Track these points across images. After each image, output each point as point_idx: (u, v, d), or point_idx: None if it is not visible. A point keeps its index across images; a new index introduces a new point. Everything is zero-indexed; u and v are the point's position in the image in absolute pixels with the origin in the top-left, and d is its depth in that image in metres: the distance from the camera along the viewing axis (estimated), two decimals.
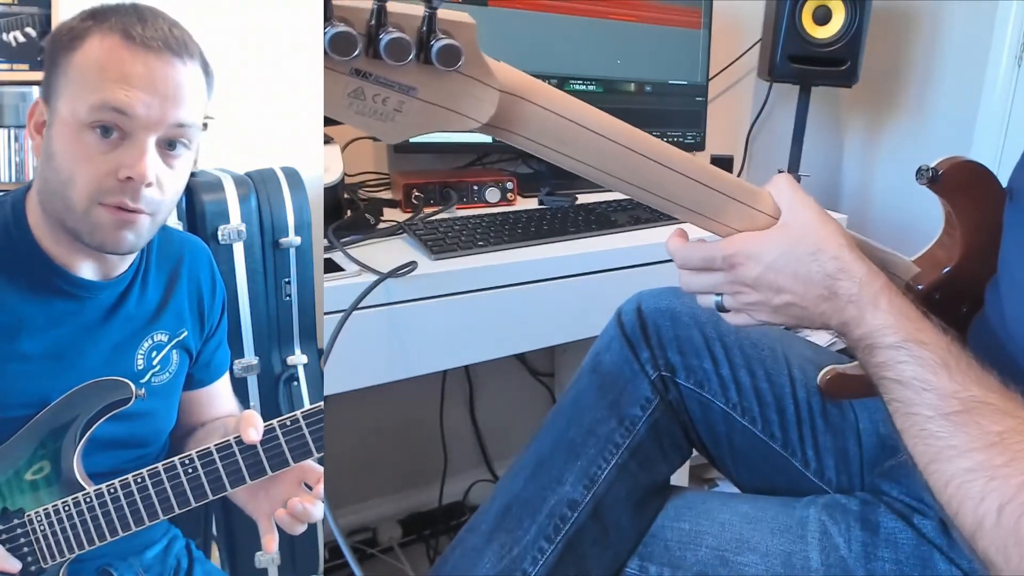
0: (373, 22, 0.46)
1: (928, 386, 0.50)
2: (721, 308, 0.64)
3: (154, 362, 0.77)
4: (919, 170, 0.67)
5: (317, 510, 0.69)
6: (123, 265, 0.74)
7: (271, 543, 0.71)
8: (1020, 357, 0.59)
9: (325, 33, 0.45)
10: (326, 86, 0.47)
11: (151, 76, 0.64)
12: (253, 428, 0.68)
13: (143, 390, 0.72)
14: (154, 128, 0.65)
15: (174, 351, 0.79)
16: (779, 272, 0.59)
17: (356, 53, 0.45)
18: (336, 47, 0.45)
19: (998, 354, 0.61)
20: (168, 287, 0.79)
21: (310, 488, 0.71)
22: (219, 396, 0.87)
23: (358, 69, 0.47)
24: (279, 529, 0.71)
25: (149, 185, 0.65)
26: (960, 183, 0.68)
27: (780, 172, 0.64)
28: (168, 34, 0.65)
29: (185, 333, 0.80)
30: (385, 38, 0.46)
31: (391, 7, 0.46)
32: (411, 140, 1.31)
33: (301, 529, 0.70)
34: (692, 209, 0.61)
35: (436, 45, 0.48)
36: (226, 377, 0.89)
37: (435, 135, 1.40)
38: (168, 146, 0.67)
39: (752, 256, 0.59)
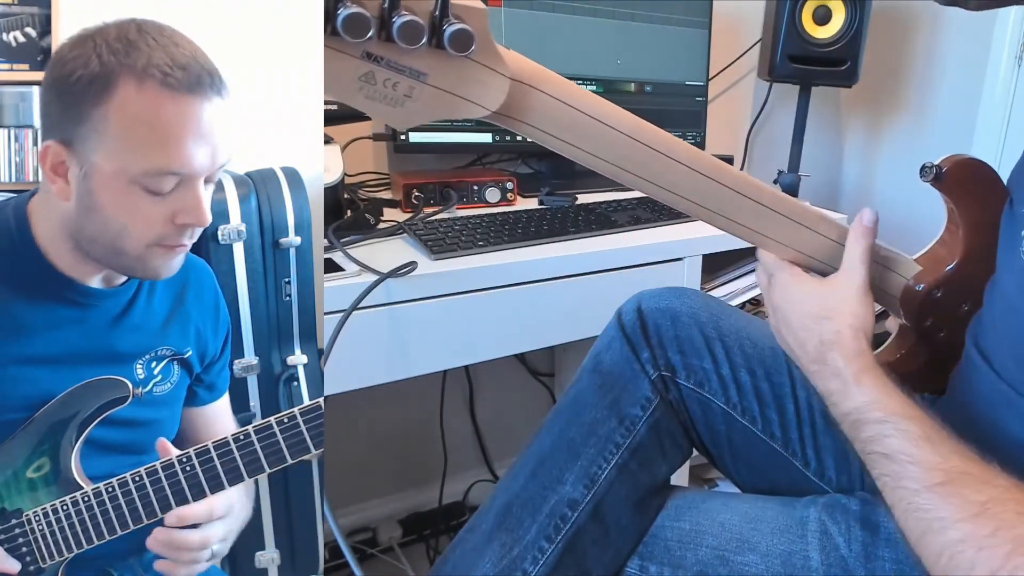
0: (386, 5, 0.46)
1: (913, 459, 0.51)
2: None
3: (155, 371, 0.77)
4: (923, 168, 0.67)
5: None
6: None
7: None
8: (1010, 358, 0.59)
9: (338, 14, 0.44)
10: (337, 69, 0.47)
11: (199, 127, 0.62)
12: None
13: (140, 389, 0.72)
14: (206, 173, 0.65)
15: (175, 363, 0.79)
16: (791, 314, 0.65)
17: (369, 35, 0.45)
18: (349, 28, 0.45)
19: (993, 353, 0.61)
20: (175, 304, 0.79)
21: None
22: (220, 415, 0.88)
23: (370, 52, 0.47)
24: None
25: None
26: (963, 181, 0.68)
27: (866, 218, 0.66)
28: (200, 68, 0.62)
29: (189, 352, 0.80)
30: (398, 21, 0.46)
31: None
32: (411, 140, 1.33)
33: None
34: (698, 203, 0.61)
35: (449, 29, 0.48)
36: (226, 397, 0.89)
37: (436, 135, 1.40)
38: (207, 181, 0.67)
39: (785, 286, 0.66)
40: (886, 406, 0.55)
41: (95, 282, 0.72)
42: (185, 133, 0.61)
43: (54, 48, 1.31)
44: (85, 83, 0.61)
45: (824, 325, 0.61)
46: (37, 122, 1.33)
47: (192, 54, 0.63)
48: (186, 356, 0.80)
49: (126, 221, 0.64)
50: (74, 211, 0.65)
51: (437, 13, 0.47)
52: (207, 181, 0.66)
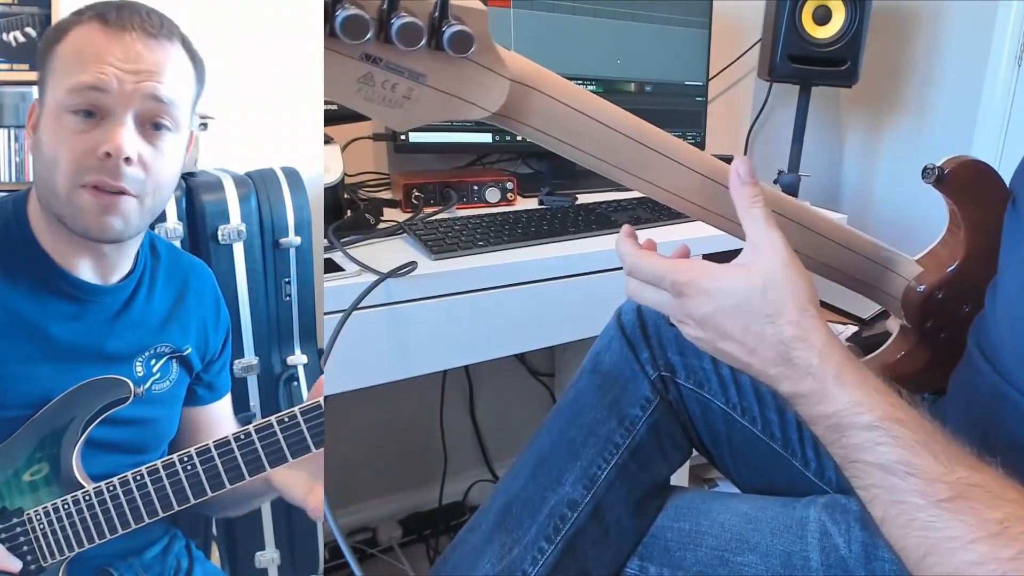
0: (385, 6, 0.46)
1: (913, 470, 0.45)
2: (668, 322, 0.60)
3: (154, 369, 0.77)
4: (925, 169, 0.67)
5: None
6: (123, 267, 0.74)
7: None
8: (1012, 359, 0.59)
9: (336, 16, 0.44)
10: (335, 71, 0.46)
11: (125, 53, 0.65)
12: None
13: (142, 388, 0.72)
14: (129, 101, 0.65)
15: (174, 361, 0.79)
16: (729, 318, 0.53)
17: (368, 37, 0.45)
18: (347, 30, 0.44)
19: (994, 354, 0.61)
20: (176, 301, 0.79)
21: None
22: (220, 415, 0.88)
23: (368, 54, 0.47)
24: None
25: (128, 161, 0.65)
26: (965, 182, 0.68)
27: (739, 172, 0.56)
28: (144, 18, 0.67)
29: (189, 350, 0.80)
30: (397, 22, 0.46)
31: None
32: (411, 140, 1.32)
33: None
34: (699, 204, 0.60)
35: (448, 31, 0.47)
36: (227, 398, 0.89)
37: (436, 135, 1.40)
38: (152, 127, 0.67)
39: (705, 291, 0.54)
40: (875, 407, 0.48)
41: (87, 273, 0.71)
42: (107, 55, 0.65)
43: None
44: (52, 36, 0.68)
45: (777, 321, 0.51)
46: None
47: (147, 12, 0.68)
48: (185, 354, 0.79)
49: (55, 151, 0.66)
50: (33, 159, 0.69)
51: (436, 14, 0.47)
52: (147, 123, 0.67)
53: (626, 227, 0.61)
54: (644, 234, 1.10)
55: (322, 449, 0.69)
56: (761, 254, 0.53)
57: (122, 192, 0.66)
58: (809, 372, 0.50)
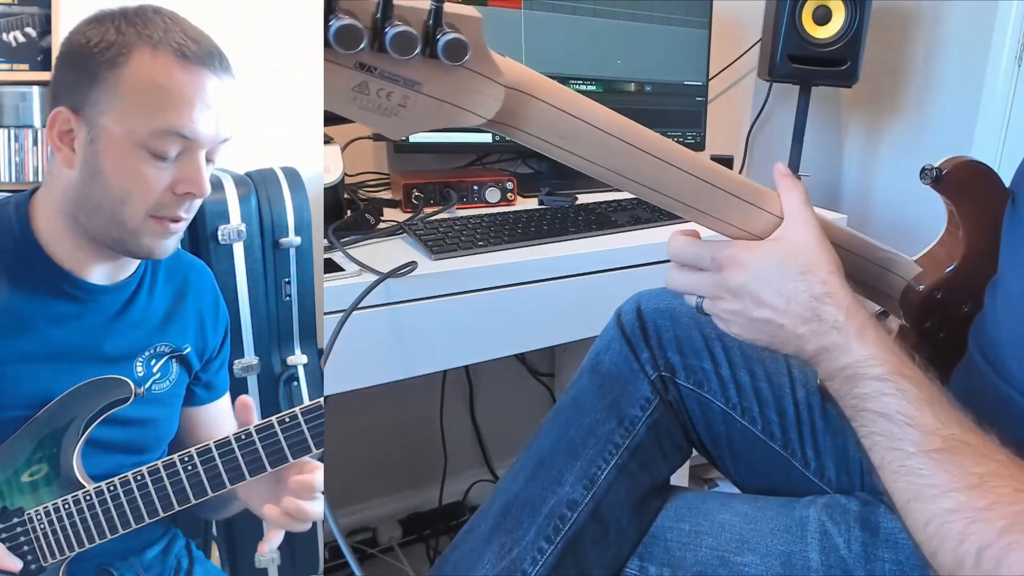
0: (379, 15, 0.46)
1: (912, 421, 0.49)
2: (700, 311, 0.63)
3: (154, 369, 0.77)
4: (923, 170, 0.67)
5: (314, 507, 0.69)
6: (129, 268, 0.74)
7: (268, 542, 0.71)
8: (1012, 359, 0.59)
9: (329, 26, 0.44)
10: (330, 80, 0.46)
11: (206, 96, 0.65)
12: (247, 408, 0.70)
13: (142, 388, 0.72)
14: (208, 145, 0.67)
15: (174, 361, 0.79)
16: (764, 284, 0.57)
17: (361, 46, 0.45)
18: (341, 40, 0.44)
19: (994, 354, 0.61)
20: (175, 301, 0.80)
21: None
22: (220, 415, 0.88)
23: (363, 63, 0.47)
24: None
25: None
26: (964, 183, 0.68)
27: (781, 168, 0.63)
28: (211, 45, 0.66)
29: (188, 349, 0.80)
30: (391, 31, 0.46)
31: (397, 0, 0.46)
32: (411, 140, 1.33)
33: (300, 527, 0.70)
34: (695, 207, 0.60)
35: (442, 39, 0.47)
36: (227, 397, 0.89)
37: (435, 135, 1.40)
38: (207, 159, 0.68)
39: (741, 262, 0.58)
40: (888, 363, 0.52)
41: (93, 275, 0.72)
42: (194, 98, 0.64)
43: (54, 48, 1.31)
44: (102, 48, 0.64)
45: (809, 279, 0.56)
46: (37, 122, 1.33)
47: (203, 34, 0.67)
48: (185, 353, 0.80)
49: (129, 186, 0.65)
50: (78, 179, 0.67)
51: (430, 23, 0.47)
52: (208, 158, 0.68)
53: (685, 226, 0.65)
54: (644, 234, 1.11)
55: (287, 463, 0.70)
56: (795, 227, 0.59)
57: (182, 219, 0.68)
58: (835, 327, 0.55)
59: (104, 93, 0.64)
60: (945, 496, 0.46)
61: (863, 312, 0.56)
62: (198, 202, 0.68)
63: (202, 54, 0.65)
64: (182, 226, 0.69)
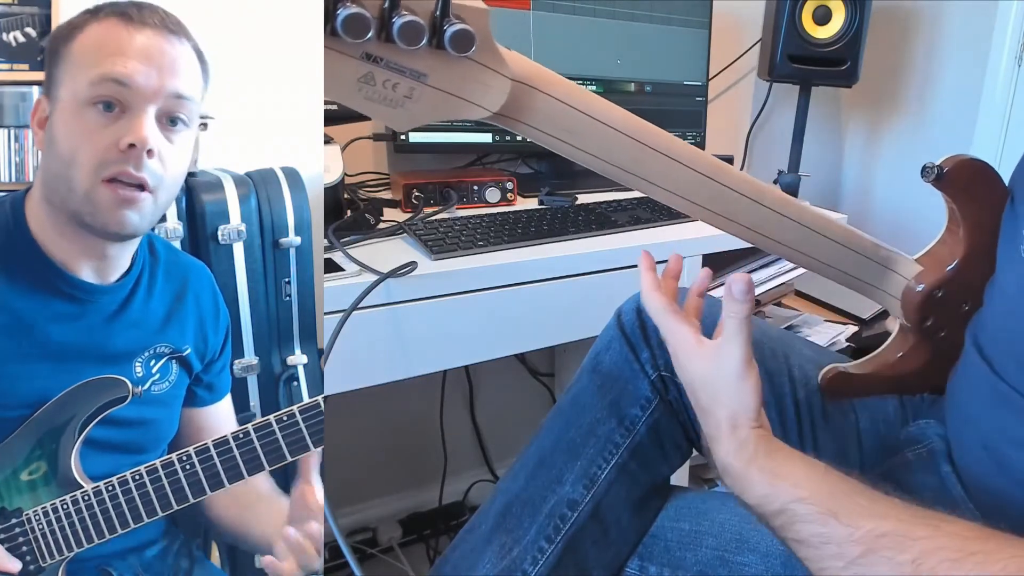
0: (386, 5, 0.46)
1: (824, 539, 0.50)
2: None
3: (153, 370, 0.77)
4: (924, 168, 0.67)
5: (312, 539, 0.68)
6: (121, 267, 0.74)
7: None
8: (1009, 357, 0.59)
9: (337, 15, 0.44)
10: (336, 70, 0.46)
11: (148, 49, 0.66)
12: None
13: (140, 388, 0.72)
14: (153, 98, 0.66)
15: (173, 362, 0.79)
16: (685, 384, 0.62)
17: (369, 36, 0.45)
18: (349, 28, 0.44)
19: (991, 352, 0.61)
20: (175, 302, 0.79)
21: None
22: (221, 417, 0.88)
23: (369, 53, 0.47)
24: None
25: (151, 153, 0.66)
26: (965, 181, 0.68)
27: (732, 286, 0.58)
28: (164, 16, 0.68)
29: (188, 350, 0.80)
30: (398, 21, 0.46)
31: None
32: (411, 140, 1.32)
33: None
34: (699, 204, 0.60)
35: (450, 30, 0.47)
36: (228, 399, 0.89)
37: (436, 135, 1.40)
38: (169, 122, 0.68)
39: (676, 357, 0.62)
40: (780, 496, 0.53)
41: (84, 271, 0.71)
42: (131, 48, 0.66)
43: None
44: (65, 32, 0.68)
45: (705, 419, 0.59)
46: None
47: (164, 12, 0.69)
48: (185, 354, 0.79)
49: (75, 146, 0.66)
50: (43, 155, 0.69)
51: (438, 13, 0.47)
52: (164, 117, 0.68)
53: (646, 259, 0.66)
54: (644, 234, 1.11)
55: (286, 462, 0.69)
56: (724, 351, 0.58)
57: (141, 185, 0.67)
58: (725, 471, 0.57)
59: (59, 68, 0.68)
60: None
61: (744, 451, 0.56)
62: (151, 163, 0.66)
63: (143, 17, 0.67)
64: (139, 197, 0.67)
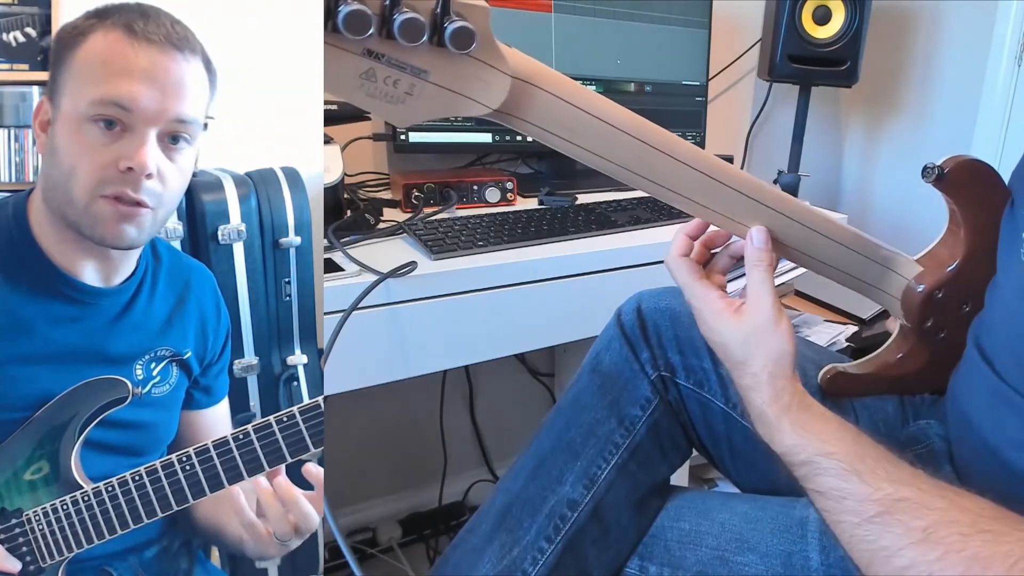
0: (387, 2, 0.46)
1: (844, 494, 0.52)
2: None
3: (153, 373, 0.77)
4: (925, 168, 0.67)
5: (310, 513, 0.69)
6: (125, 270, 0.74)
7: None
8: (1010, 358, 0.59)
9: (339, 11, 0.44)
10: (337, 67, 0.46)
11: (153, 70, 0.65)
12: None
13: (140, 388, 0.72)
14: (155, 121, 0.65)
15: (173, 365, 0.79)
16: (714, 347, 0.64)
17: (370, 32, 0.45)
18: (350, 25, 0.44)
19: (992, 353, 0.61)
20: (176, 305, 0.79)
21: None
22: (217, 420, 0.87)
23: (370, 49, 0.47)
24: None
25: (149, 176, 0.66)
26: (965, 182, 0.67)
27: (756, 236, 0.62)
28: (171, 30, 0.66)
29: (189, 353, 0.80)
30: (399, 18, 0.46)
31: None
32: (411, 140, 1.32)
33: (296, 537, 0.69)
34: (699, 202, 0.60)
35: (450, 27, 0.47)
36: (225, 402, 0.89)
37: (436, 135, 1.40)
38: (170, 140, 0.67)
39: (704, 321, 0.63)
40: (807, 448, 0.55)
41: (86, 274, 0.71)
42: (134, 70, 0.65)
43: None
44: (70, 37, 0.67)
45: (742, 370, 0.60)
46: None
47: (171, 23, 0.67)
48: (185, 357, 0.79)
49: (75, 160, 0.65)
50: (44, 161, 0.68)
51: (439, 11, 0.47)
52: (166, 136, 0.67)
53: (691, 226, 0.66)
54: (644, 234, 1.11)
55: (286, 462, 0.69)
56: (751, 308, 0.60)
57: (140, 204, 0.66)
58: (758, 418, 0.60)
59: (63, 74, 0.67)
60: (897, 556, 0.48)
61: (781, 401, 0.58)
62: (150, 183, 0.66)
63: (149, 32, 0.65)
64: (138, 212, 0.66)
